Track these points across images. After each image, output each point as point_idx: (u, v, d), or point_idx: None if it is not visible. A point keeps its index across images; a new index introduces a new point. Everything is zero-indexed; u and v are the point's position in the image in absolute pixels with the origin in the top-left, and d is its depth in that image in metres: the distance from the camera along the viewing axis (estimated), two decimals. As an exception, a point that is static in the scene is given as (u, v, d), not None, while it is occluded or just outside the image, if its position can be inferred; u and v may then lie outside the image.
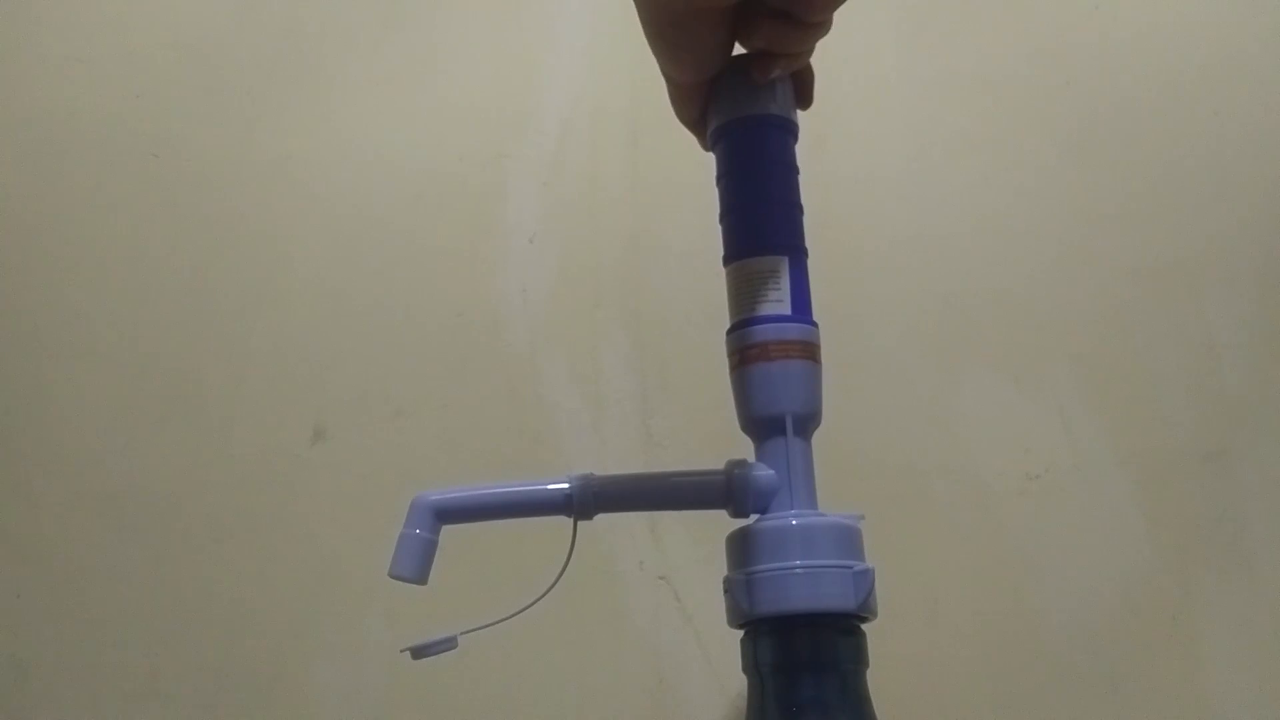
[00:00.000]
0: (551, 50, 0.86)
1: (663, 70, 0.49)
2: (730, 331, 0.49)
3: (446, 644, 0.47)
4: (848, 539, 0.46)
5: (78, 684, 0.74)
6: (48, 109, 0.88)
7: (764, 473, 0.48)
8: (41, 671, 0.74)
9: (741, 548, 0.47)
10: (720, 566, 0.48)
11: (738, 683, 0.48)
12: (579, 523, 0.48)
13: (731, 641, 0.48)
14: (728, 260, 0.50)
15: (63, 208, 0.86)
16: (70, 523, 0.77)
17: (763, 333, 0.48)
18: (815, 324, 0.50)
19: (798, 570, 0.45)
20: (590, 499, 0.48)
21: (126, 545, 0.76)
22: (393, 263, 0.82)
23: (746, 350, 0.48)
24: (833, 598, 0.45)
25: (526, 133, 0.84)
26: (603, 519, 0.49)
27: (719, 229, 0.51)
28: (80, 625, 0.75)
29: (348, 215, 0.84)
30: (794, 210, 0.50)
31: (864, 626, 0.46)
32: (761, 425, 0.48)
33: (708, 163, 0.53)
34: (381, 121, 0.86)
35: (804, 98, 0.52)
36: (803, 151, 0.52)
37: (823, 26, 0.48)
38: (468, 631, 0.48)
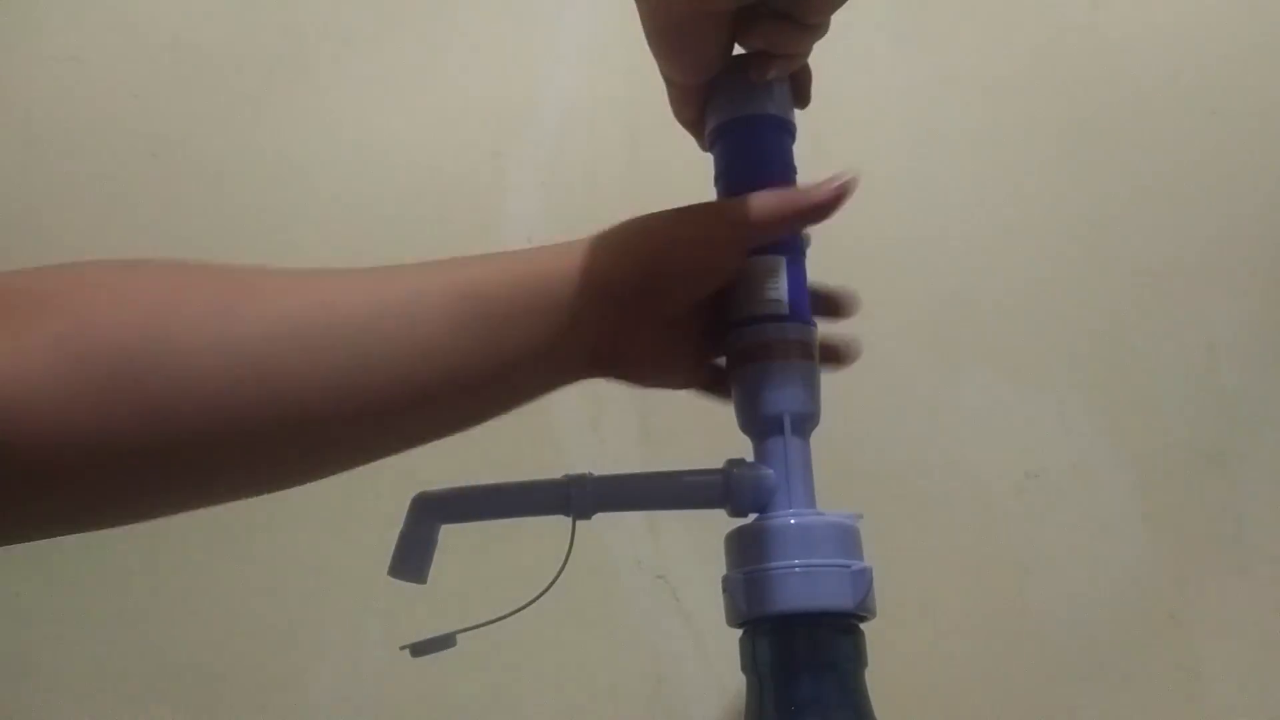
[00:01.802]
0: (550, 49, 0.86)
1: (662, 71, 0.49)
2: (729, 331, 0.49)
3: (445, 642, 0.48)
4: (846, 538, 0.46)
5: (76, 684, 0.74)
6: (47, 108, 0.88)
7: (762, 472, 0.48)
8: (40, 671, 0.74)
9: (740, 547, 0.47)
10: (718, 565, 0.48)
11: (736, 682, 0.48)
12: (577, 522, 0.48)
13: (730, 640, 0.48)
14: (727, 260, 0.50)
15: (62, 207, 0.85)
16: (69, 522, 0.77)
17: (761, 332, 0.48)
18: (814, 324, 0.50)
19: (796, 569, 0.45)
20: (589, 498, 0.48)
21: (125, 545, 0.76)
22: (391, 261, 0.82)
23: (745, 350, 0.48)
24: (831, 597, 0.45)
25: (525, 131, 0.84)
26: (601, 518, 0.49)
27: (718, 228, 0.51)
28: (79, 625, 0.75)
29: (347, 214, 0.84)
30: None
31: (863, 625, 0.47)
32: (760, 425, 0.48)
33: (706, 162, 0.53)
34: (381, 120, 0.86)
35: (801, 97, 0.52)
36: (801, 151, 0.52)
37: (821, 28, 0.48)
38: (466, 629, 0.48)
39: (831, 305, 0.52)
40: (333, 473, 0.43)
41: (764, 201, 0.47)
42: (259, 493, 0.42)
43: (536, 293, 0.44)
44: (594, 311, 0.44)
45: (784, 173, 0.51)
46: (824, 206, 0.48)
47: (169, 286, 0.38)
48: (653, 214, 0.48)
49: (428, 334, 0.41)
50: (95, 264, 0.39)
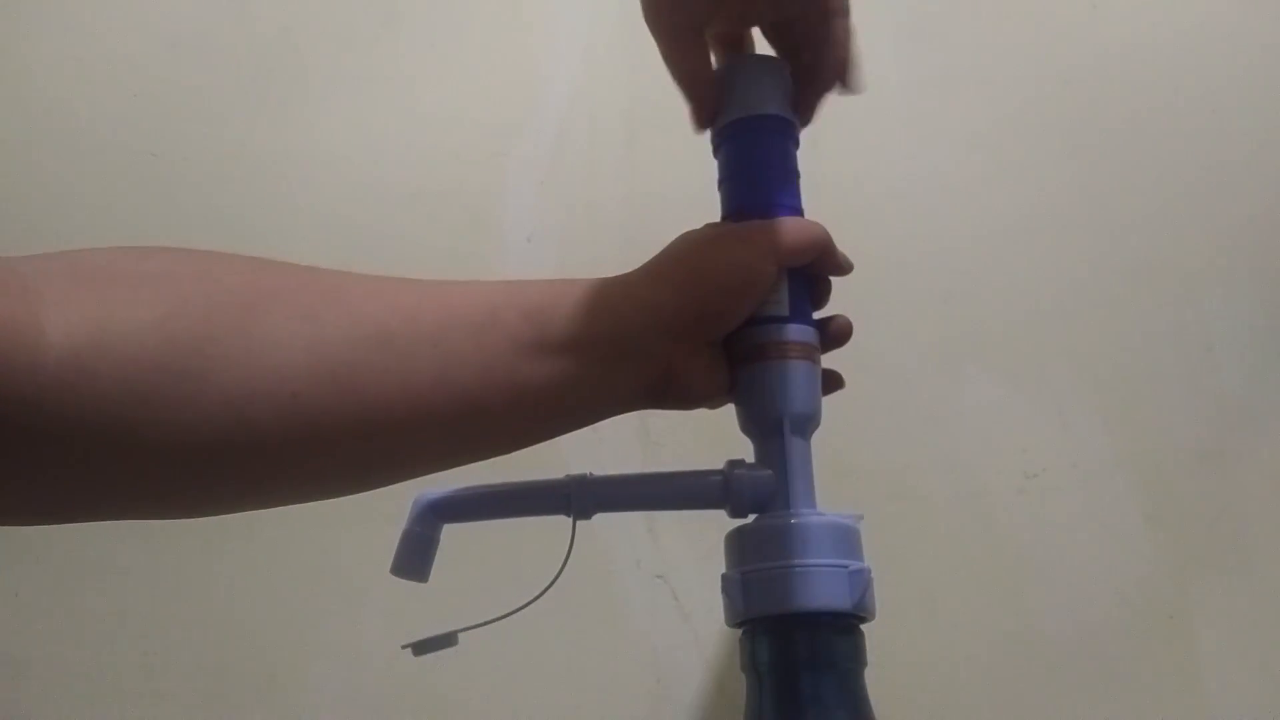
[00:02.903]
0: (549, 49, 0.86)
1: (653, 17, 0.48)
2: (730, 333, 0.49)
3: (447, 641, 0.48)
4: (845, 538, 0.46)
5: (75, 682, 0.74)
6: (46, 108, 0.88)
7: (762, 472, 0.48)
8: (39, 670, 0.74)
9: (739, 547, 0.47)
10: (717, 565, 0.48)
11: (735, 681, 0.48)
12: (578, 522, 0.49)
13: (729, 640, 0.48)
14: (728, 262, 0.50)
15: (60, 206, 0.85)
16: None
17: (762, 334, 0.48)
18: (815, 325, 0.50)
19: (794, 569, 0.45)
20: (589, 498, 0.48)
21: (124, 543, 0.76)
22: (390, 262, 0.81)
23: (746, 351, 0.48)
24: (829, 597, 0.45)
25: (524, 132, 0.84)
26: (601, 518, 0.49)
27: (719, 230, 0.51)
28: (78, 623, 0.75)
29: (346, 214, 0.84)
30: (794, 214, 0.50)
31: (863, 625, 0.47)
32: (760, 425, 0.48)
33: (706, 162, 0.53)
34: (379, 121, 0.86)
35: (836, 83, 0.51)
36: (801, 151, 0.52)
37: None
38: (467, 629, 0.48)
39: (825, 334, 0.52)
40: (390, 481, 0.44)
41: (801, 228, 0.48)
42: (311, 497, 0.42)
43: (597, 323, 0.44)
44: (653, 345, 0.46)
45: (787, 176, 0.51)
46: (840, 268, 0.50)
47: (258, 283, 0.39)
48: (697, 237, 0.48)
49: (494, 352, 0.42)
50: (186, 253, 0.39)
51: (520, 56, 0.87)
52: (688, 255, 0.48)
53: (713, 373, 0.48)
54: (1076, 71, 0.82)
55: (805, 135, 0.53)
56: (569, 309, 0.44)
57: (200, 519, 0.77)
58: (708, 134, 0.52)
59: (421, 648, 0.48)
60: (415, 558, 0.47)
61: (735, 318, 0.47)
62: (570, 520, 0.48)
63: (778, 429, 0.48)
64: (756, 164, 0.50)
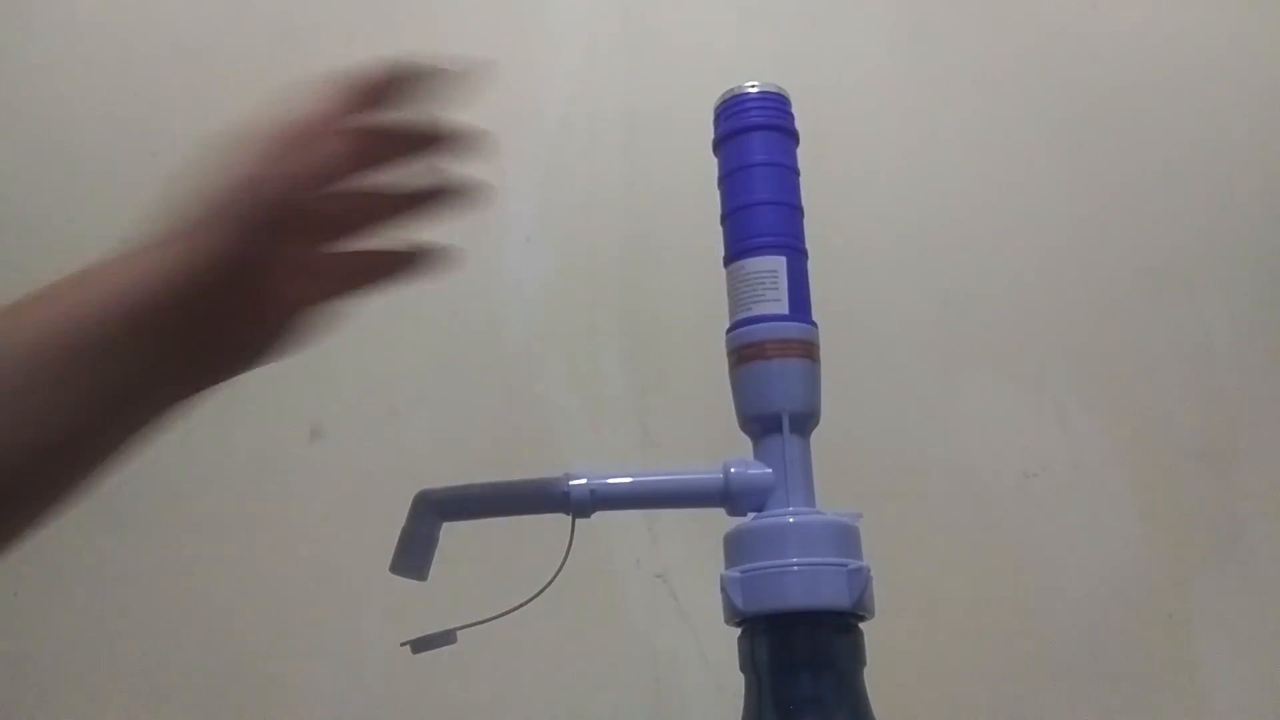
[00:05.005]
0: (549, 50, 0.86)
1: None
2: (729, 331, 0.49)
3: (446, 638, 0.48)
4: (844, 537, 0.46)
5: (74, 682, 0.74)
6: (46, 108, 0.88)
7: (761, 471, 0.48)
8: (38, 670, 0.74)
9: (738, 546, 0.47)
10: (717, 564, 0.48)
11: (735, 681, 0.48)
12: (577, 521, 0.49)
13: (729, 639, 0.48)
14: (728, 261, 0.51)
15: (61, 206, 0.85)
16: (67, 521, 0.77)
17: (760, 332, 0.48)
18: (814, 323, 0.50)
19: (793, 568, 0.45)
20: (588, 497, 0.48)
21: (124, 544, 0.76)
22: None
23: (744, 349, 0.48)
24: (828, 596, 0.45)
25: (524, 132, 0.84)
26: (600, 517, 0.49)
27: (716, 228, 0.51)
28: (77, 623, 0.75)
29: (346, 214, 0.83)
30: (793, 211, 0.50)
31: (862, 625, 0.47)
32: (759, 424, 0.48)
33: (705, 162, 0.53)
34: (380, 120, 0.86)
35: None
36: (801, 151, 0.52)
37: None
38: (466, 626, 0.48)
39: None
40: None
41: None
42: None
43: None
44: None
45: (786, 175, 0.51)
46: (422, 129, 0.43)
47: None
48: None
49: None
50: None
51: (520, 56, 0.86)
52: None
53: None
54: (1076, 71, 0.82)
55: (806, 135, 0.53)
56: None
57: (199, 520, 0.77)
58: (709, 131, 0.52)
59: (421, 645, 0.47)
60: (414, 556, 0.47)
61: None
62: (570, 519, 0.48)
63: (776, 427, 0.48)
64: (754, 163, 0.51)
